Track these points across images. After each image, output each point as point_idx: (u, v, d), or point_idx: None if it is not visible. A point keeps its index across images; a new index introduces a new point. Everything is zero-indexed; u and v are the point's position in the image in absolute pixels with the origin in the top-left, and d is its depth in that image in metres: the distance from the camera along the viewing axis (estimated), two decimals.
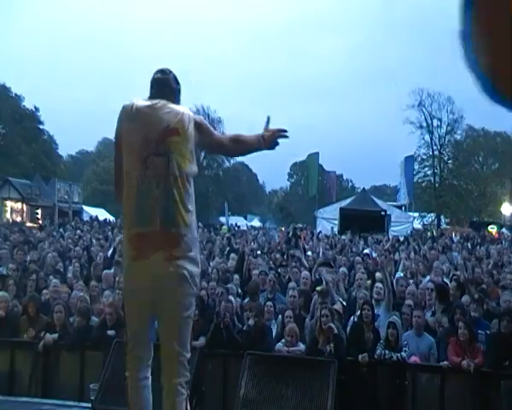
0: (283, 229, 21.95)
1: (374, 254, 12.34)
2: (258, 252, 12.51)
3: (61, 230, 19.15)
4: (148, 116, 2.98)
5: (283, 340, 6.16)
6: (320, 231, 23.72)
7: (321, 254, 12.24)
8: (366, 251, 12.68)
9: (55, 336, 6.47)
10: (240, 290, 8.16)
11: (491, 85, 0.80)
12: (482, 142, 50.68)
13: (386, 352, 5.89)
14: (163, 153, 2.97)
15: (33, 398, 5.61)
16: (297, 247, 13.23)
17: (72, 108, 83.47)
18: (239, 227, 29.58)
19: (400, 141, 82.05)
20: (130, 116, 2.96)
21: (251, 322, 6.34)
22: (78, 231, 17.91)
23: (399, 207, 31.76)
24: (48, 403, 5.16)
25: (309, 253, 12.45)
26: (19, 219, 31.98)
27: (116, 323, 6.48)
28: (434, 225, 42.17)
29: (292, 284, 7.92)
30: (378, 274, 8.02)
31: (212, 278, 8.45)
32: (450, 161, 48.93)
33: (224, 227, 27.41)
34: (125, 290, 3.27)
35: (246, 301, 7.53)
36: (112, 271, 8.61)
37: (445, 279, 8.63)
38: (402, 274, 9.27)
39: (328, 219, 27.39)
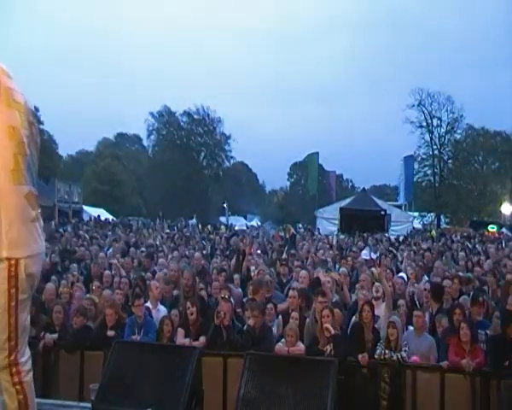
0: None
1: (373, 256, 12.29)
2: (258, 252, 12.51)
3: (61, 230, 19.17)
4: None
5: (283, 340, 6.17)
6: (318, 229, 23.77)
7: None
8: (364, 255, 12.50)
9: (55, 336, 6.47)
10: (240, 290, 8.17)
11: None
12: (482, 141, 50.67)
13: (386, 352, 5.89)
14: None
15: None
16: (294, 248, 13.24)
17: (72, 108, 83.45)
18: (235, 228, 29.43)
19: (400, 141, 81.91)
20: (11, 78, 2.77)
21: (251, 322, 6.34)
22: (81, 232, 17.93)
23: (399, 207, 31.79)
24: (48, 403, 5.14)
25: (309, 253, 12.45)
26: None
27: (116, 323, 6.49)
28: (434, 224, 42.18)
29: (291, 284, 7.93)
30: (373, 269, 8.05)
31: (213, 278, 8.46)
32: (450, 161, 48.96)
33: (223, 227, 27.48)
34: (28, 258, 2.60)
35: (246, 300, 7.55)
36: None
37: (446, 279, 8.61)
38: (404, 275, 9.24)
39: (328, 219, 27.42)
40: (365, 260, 11.38)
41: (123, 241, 14.07)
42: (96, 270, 9.12)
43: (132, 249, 12.17)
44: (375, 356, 5.92)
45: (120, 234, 17.52)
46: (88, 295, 7.45)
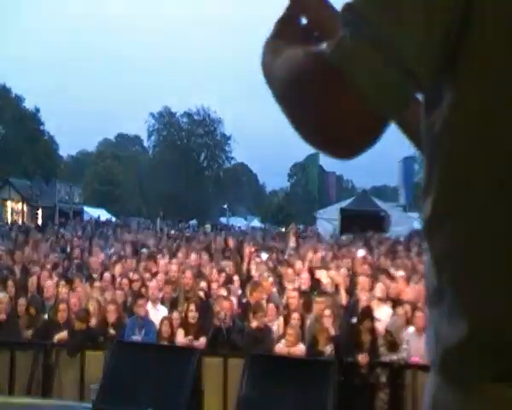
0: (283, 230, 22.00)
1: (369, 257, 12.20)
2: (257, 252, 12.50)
3: (62, 230, 19.19)
4: None
5: (283, 340, 6.17)
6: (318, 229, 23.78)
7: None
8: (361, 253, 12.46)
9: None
10: (240, 291, 8.16)
11: None
12: None
13: (386, 352, 5.89)
14: None
15: (33, 398, 5.61)
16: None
17: (73, 109, 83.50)
18: (234, 227, 29.49)
19: (400, 141, 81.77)
20: None
21: (252, 322, 6.34)
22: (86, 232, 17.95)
23: (400, 208, 31.79)
24: (48, 403, 5.16)
25: (309, 254, 12.42)
26: (19, 219, 31.98)
27: (117, 323, 6.50)
28: None
29: (292, 285, 7.94)
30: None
31: (212, 279, 8.46)
32: None
33: (207, 226, 27.78)
34: None
35: (246, 300, 7.55)
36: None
37: None
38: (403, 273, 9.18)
39: (328, 220, 27.40)
40: (363, 256, 11.39)
41: (124, 241, 14.09)
42: (96, 270, 9.12)
43: (133, 250, 12.18)
44: (375, 357, 5.92)
45: (121, 234, 17.54)
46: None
